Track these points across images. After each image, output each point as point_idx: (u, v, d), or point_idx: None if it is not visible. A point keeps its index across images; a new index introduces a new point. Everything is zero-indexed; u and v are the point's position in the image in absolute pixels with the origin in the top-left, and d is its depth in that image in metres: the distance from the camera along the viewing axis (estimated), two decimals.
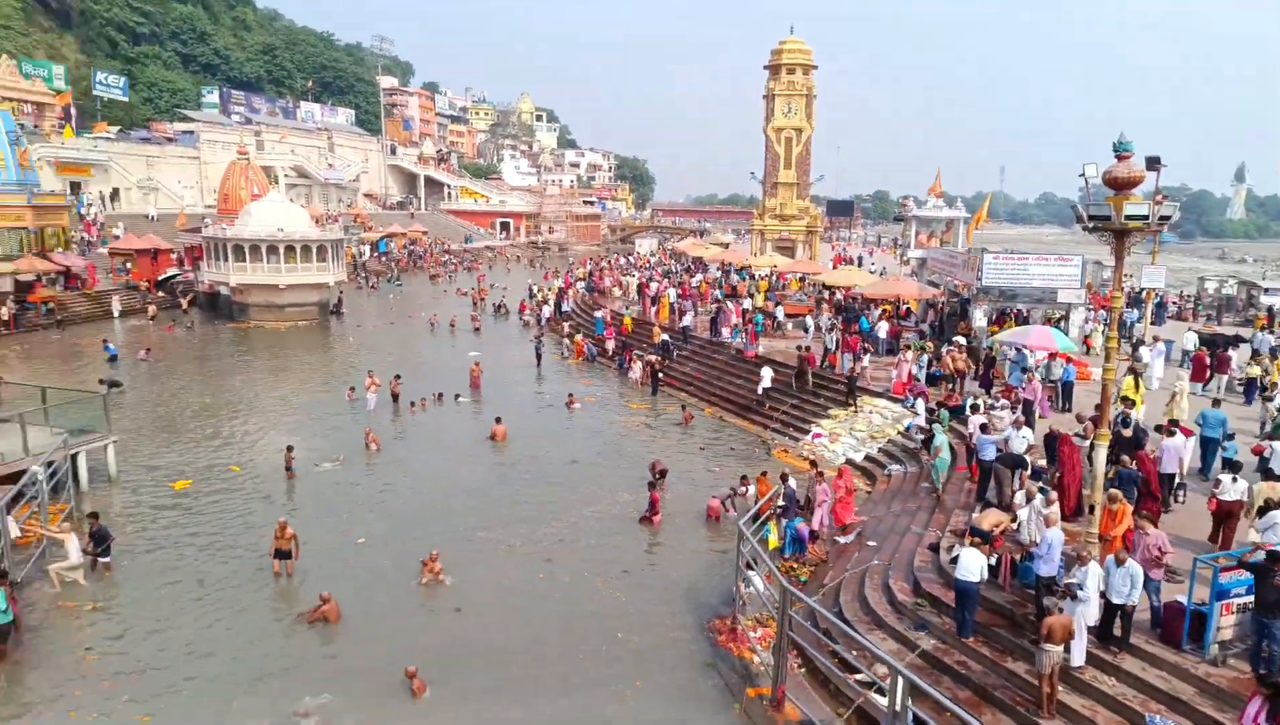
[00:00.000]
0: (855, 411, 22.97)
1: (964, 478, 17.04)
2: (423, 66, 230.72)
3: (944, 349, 23.93)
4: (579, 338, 35.00)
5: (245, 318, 39.77)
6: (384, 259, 67.27)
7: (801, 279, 41.58)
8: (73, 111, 66.92)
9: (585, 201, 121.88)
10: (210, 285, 41.86)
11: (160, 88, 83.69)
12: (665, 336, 31.46)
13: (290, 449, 19.46)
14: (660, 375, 28.96)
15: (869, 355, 26.09)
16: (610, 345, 33.76)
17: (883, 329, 28.45)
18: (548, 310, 42.76)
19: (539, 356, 32.48)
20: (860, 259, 60.68)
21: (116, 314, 39.17)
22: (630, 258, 71.36)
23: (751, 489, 18.04)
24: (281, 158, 78.01)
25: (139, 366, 29.91)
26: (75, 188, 57.00)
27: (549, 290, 48.36)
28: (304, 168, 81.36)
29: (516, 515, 17.28)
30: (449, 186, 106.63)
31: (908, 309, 32.32)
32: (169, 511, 16.95)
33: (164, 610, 12.94)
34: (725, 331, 31.01)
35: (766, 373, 25.39)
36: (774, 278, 40.28)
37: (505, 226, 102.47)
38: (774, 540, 15.17)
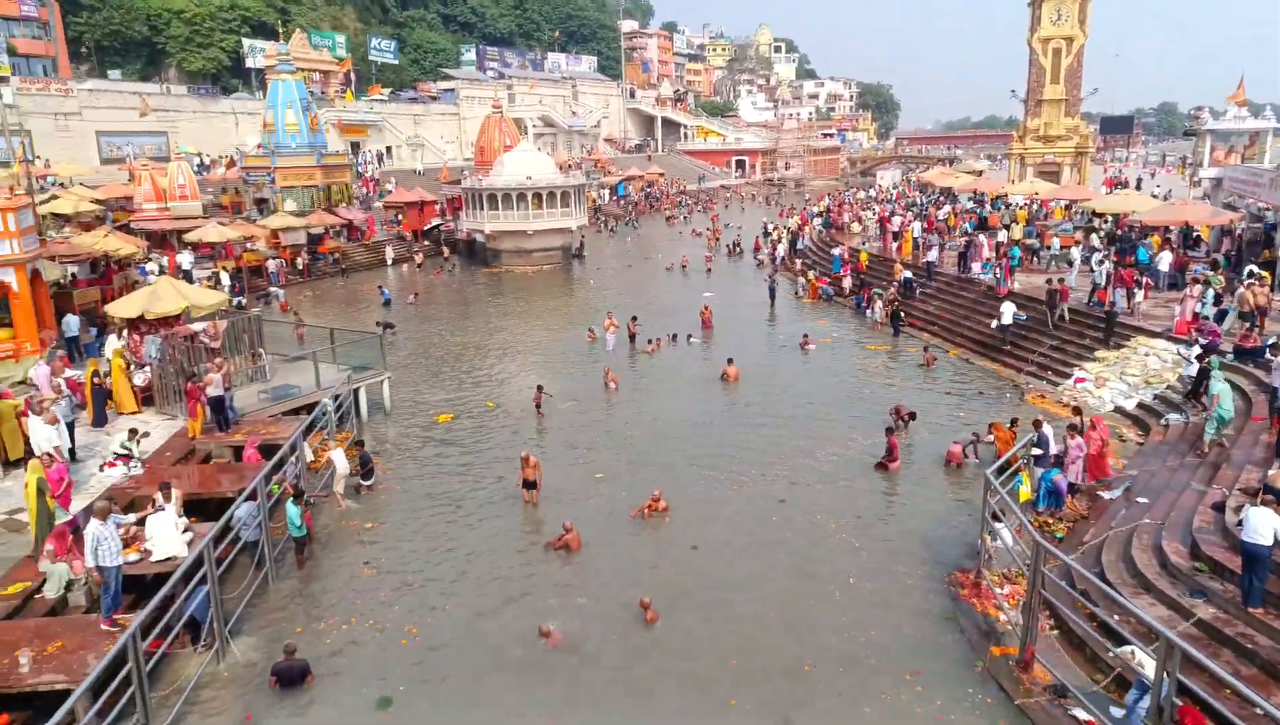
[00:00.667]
0: (1124, 352, 20.36)
1: (1261, 429, 14.60)
2: (661, 6, 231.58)
3: (1241, 282, 20.46)
4: (814, 276, 33.95)
5: (498, 263, 42.69)
6: (622, 202, 69.17)
7: (1068, 206, 37.31)
8: (352, 76, 74.57)
9: (824, 134, 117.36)
10: (468, 233, 45.28)
11: (425, 49, 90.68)
12: (908, 273, 29.64)
13: (540, 388, 20.33)
14: (902, 314, 27.40)
15: (1147, 290, 22.94)
16: (847, 283, 32.43)
17: (1164, 260, 24.82)
18: (782, 249, 41.85)
19: (773, 296, 31.92)
20: (1140, 181, 53.43)
21: (389, 262, 43.59)
22: (871, 191, 67.94)
23: (992, 437, 16.68)
24: (530, 109, 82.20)
25: (408, 310, 33.12)
26: (355, 147, 63.73)
27: (784, 228, 47.34)
28: (550, 117, 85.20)
29: (749, 456, 17.20)
30: (685, 127, 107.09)
31: (1197, 237, 27.96)
32: (434, 442, 18.67)
33: (428, 532, 14.28)
34: (975, 267, 28.63)
35: (1007, 308, 23.35)
36: (1035, 206, 36.49)
37: (741, 164, 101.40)
38: (1026, 492, 13.86)
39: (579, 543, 13.44)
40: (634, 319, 27.20)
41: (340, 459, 15.38)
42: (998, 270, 26.67)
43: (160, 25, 65.84)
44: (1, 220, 18.76)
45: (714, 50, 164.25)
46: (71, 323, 21.90)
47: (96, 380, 17.15)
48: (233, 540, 12.01)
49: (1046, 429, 14.48)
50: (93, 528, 10.25)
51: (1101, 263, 24.83)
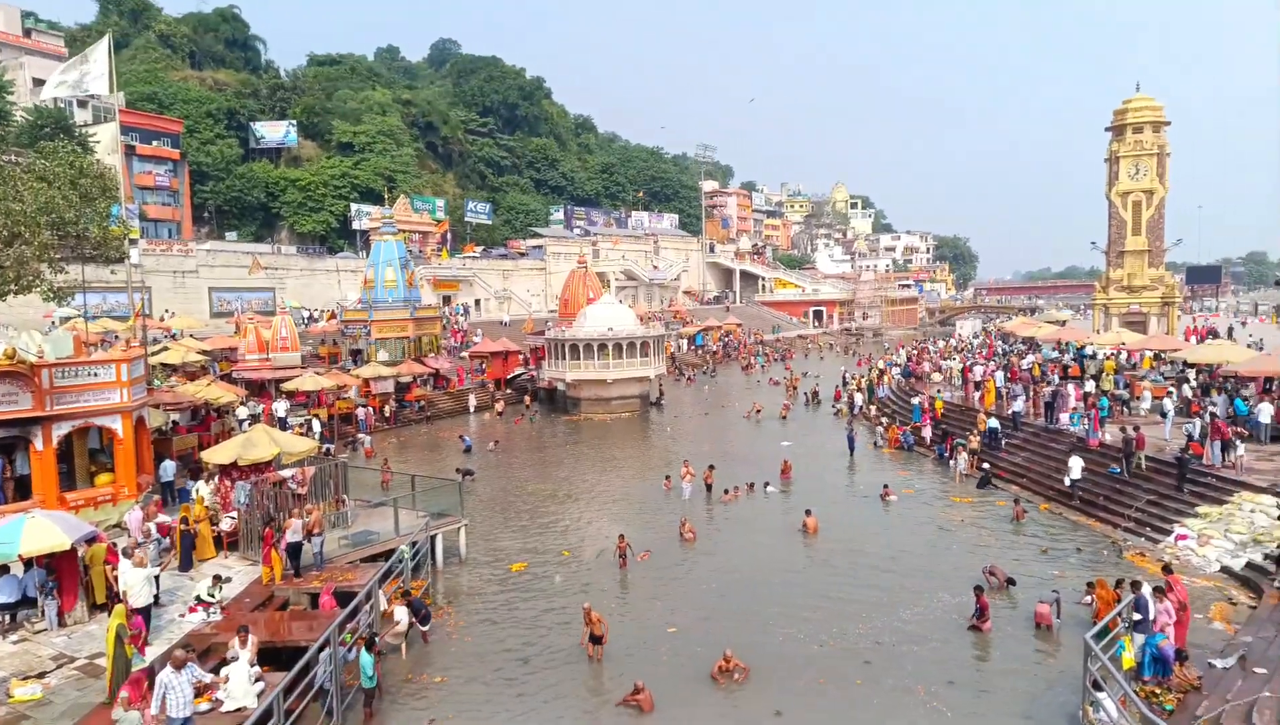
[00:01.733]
0: (1228, 508, 19.12)
1: None
2: (741, 167, 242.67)
3: None
4: (894, 426, 33.29)
5: (578, 411, 43.41)
6: (700, 352, 70.23)
7: (1156, 357, 36.12)
8: (448, 236, 79.59)
9: (901, 285, 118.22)
10: (550, 382, 46.43)
11: (516, 210, 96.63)
12: (994, 423, 28.80)
13: (622, 538, 19.87)
14: (987, 466, 26.43)
15: (1245, 442, 21.67)
16: (928, 433, 31.65)
17: (1265, 412, 23.53)
18: (861, 397, 41.42)
19: (851, 445, 31.34)
20: (1231, 330, 51.56)
21: (472, 409, 44.81)
22: (951, 340, 67.38)
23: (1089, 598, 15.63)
24: (613, 263, 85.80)
25: (488, 456, 33.67)
26: (446, 300, 67.11)
27: (862, 377, 47.00)
28: (632, 271, 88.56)
29: (830, 612, 16.46)
30: (763, 278, 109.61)
31: None
32: (507, 591, 18.47)
33: (495, 689, 13.90)
34: (1063, 417, 27.66)
35: (1075, 463, 22.76)
36: (1122, 356, 35.47)
37: (818, 314, 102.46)
38: (1129, 659, 12.74)
39: (651, 704, 12.86)
40: (710, 468, 26.98)
41: (402, 614, 15.28)
42: (1087, 421, 25.71)
43: (277, 192, 72.23)
44: (116, 371, 20.21)
45: (791, 206, 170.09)
46: (168, 468, 23.00)
47: (184, 526, 17.77)
48: (303, 692, 11.91)
49: (1147, 590, 13.46)
50: (164, 675, 10.34)
51: (1195, 415, 23.72)
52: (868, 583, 18.14)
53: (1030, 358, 40.71)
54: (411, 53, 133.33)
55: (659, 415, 43.82)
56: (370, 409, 39.07)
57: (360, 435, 36.74)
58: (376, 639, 13.51)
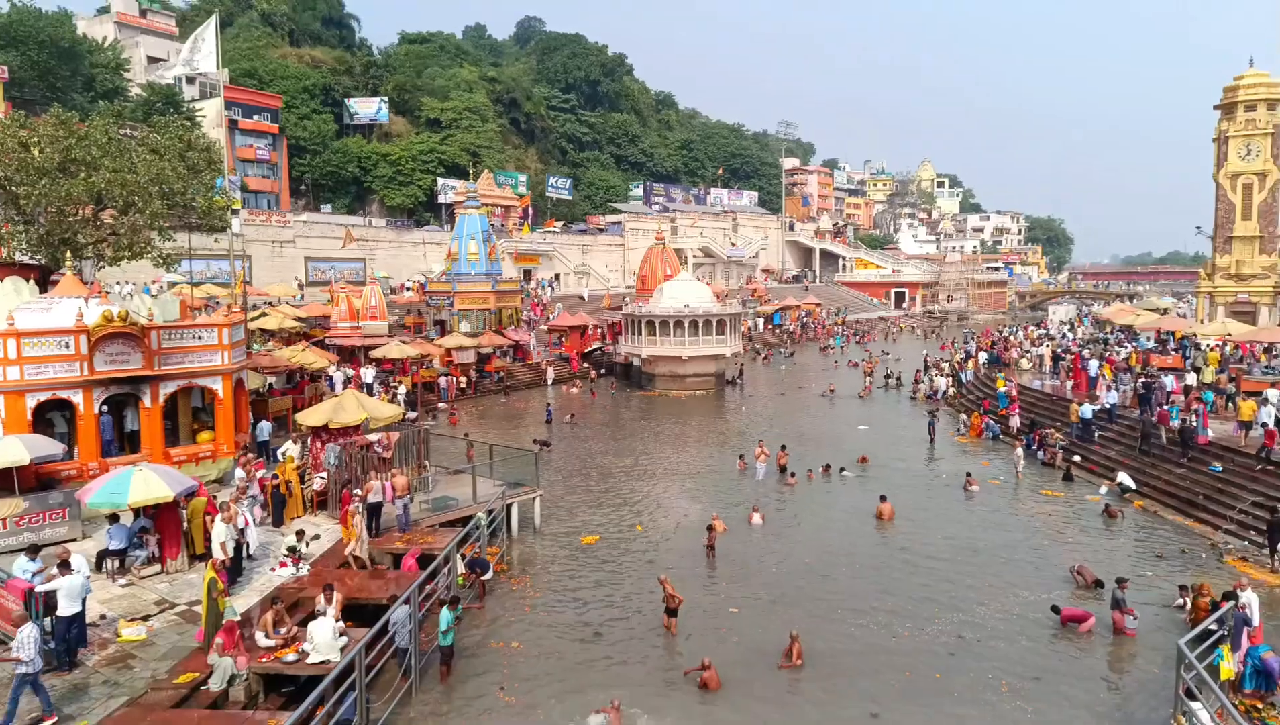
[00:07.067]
0: None
1: None
2: (824, 145, 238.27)
3: None
4: (978, 413, 32.35)
5: (652, 387, 43.56)
6: (777, 331, 69.49)
7: (1268, 350, 34.05)
8: (529, 211, 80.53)
9: (989, 267, 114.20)
10: (626, 357, 46.68)
11: (597, 186, 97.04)
12: (1086, 413, 27.71)
13: (712, 529, 19.48)
14: (1077, 459, 25.48)
15: None
16: (1015, 422, 30.64)
17: None
18: (944, 383, 40.36)
19: (932, 432, 30.62)
20: None
21: (550, 382, 45.43)
22: (1042, 327, 64.87)
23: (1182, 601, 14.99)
24: (691, 240, 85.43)
25: (564, 428, 34.14)
26: (527, 274, 68.03)
27: (945, 362, 45.75)
28: (710, 248, 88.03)
29: (902, 604, 16.19)
30: (843, 258, 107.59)
31: None
32: (578, 563, 18.76)
33: (565, 657, 14.17)
34: (1164, 411, 26.38)
35: (1124, 478, 22.82)
36: (1228, 348, 33.57)
37: (900, 296, 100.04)
38: (1228, 669, 12.18)
39: (718, 682, 12.92)
40: (783, 448, 26.78)
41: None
42: (1189, 416, 24.46)
43: (368, 166, 74.22)
44: (218, 334, 21.20)
45: (874, 185, 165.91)
46: (264, 428, 24.08)
47: (275, 482, 18.62)
48: (383, 648, 12.39)
49: (1249, 596, 12.81)
50: None
51: None
52: (946, 575, 17.75)
53: (1128, 347, 38.99)
54: (498, 31, 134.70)
55: (734, 394, 43.61)
56: (452, 378, 40.02)
57: (441, 404, 37.71)
58: (460, 601, 13.96)
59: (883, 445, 29.64)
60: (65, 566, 12.43)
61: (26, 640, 10.66)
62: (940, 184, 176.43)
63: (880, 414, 36.86)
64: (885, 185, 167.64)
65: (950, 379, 40.99)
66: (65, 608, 11.93)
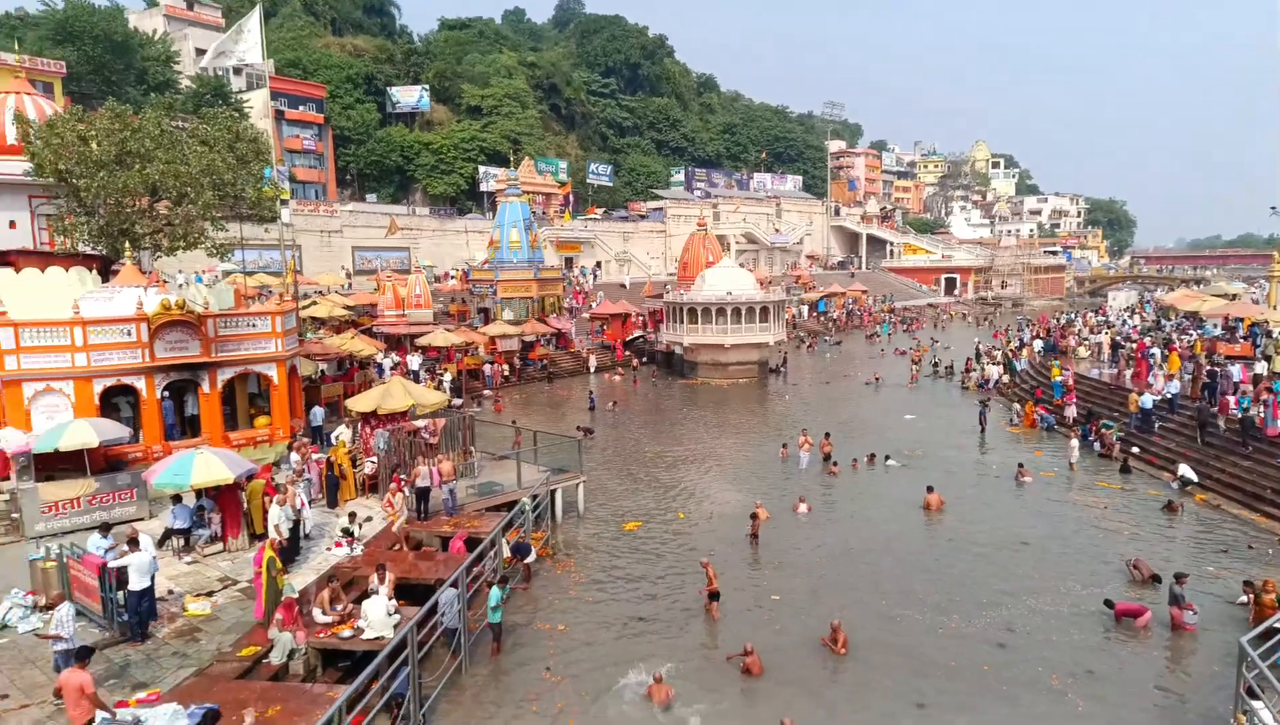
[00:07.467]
0: None
1: None
2: (871, 126, 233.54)
3: None
4: (1031, 403, 31.73)
5: (694, 375, 43.51)
6: (822, 318, 68.83)
7: None
8: (570, 198, 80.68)
9: (1046, 251, 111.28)
10: (667, 345, 46.68)
11: (637, 172, 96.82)
12: (1146, 403, 26.99)
13: (756, 518, 19.46)
14: (1135, 450, 24.87)
15: None
16: (1070, 412, 29.97)
17: None
18: (996, 371, 39.64)
19: (983, 422, 30.10)
20: None
21: (592, 370, 45.63)
22: (1100, 313, 63.33)
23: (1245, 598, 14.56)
24: (734, 226, 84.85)
25: (607, 416, 34.30)
26: (569, 262, 68.25)
27: (998, 349, 44.93)
28: (753, 234, 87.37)
29: (949, 595, 16.01)
30: (891, 243, 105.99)
31: None
32: (621, 549, 18.90)
33: (608, 641, 14.34)
34: (1231, 402, 25.57)
35: (1185, 470, 22.07)
36: None
37: (951, 282, 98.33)
38: None
39: (760, 667, 12.96)
40: (827, 436, 26.59)
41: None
42: (1257, 406, 23.65)
43: (411, 155, 75.01)
44: (271, 322, 21.69)
45: (925, 166, 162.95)
46: (318, 413, 24.62)
47: (329, 468, 19.07)
48: (433, 626, 12.66)
49: None
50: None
51: None
52: (994, 566, 17.50)
53: (1194, 334, 37.84)
54: (537, 14, 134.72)
55: (778, 382, 43.35)
56: (496, 365, 40.43)
57: (486, 391, 38.13)
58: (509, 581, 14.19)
59: (931, 435, 29.27)
60: (134, 544, 12.92)
61: (65, 618, 11.19)
62: (995, 165, 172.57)
63: (928, 403, 36.35)
64: (936, 167, 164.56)
65: (1003, 367, 40.25)
66: (136, 583, 12.42)
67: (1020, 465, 24.32)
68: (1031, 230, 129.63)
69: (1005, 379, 39.01)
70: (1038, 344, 43.25)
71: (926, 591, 16.17)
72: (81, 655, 10.00)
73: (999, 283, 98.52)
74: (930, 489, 21.52)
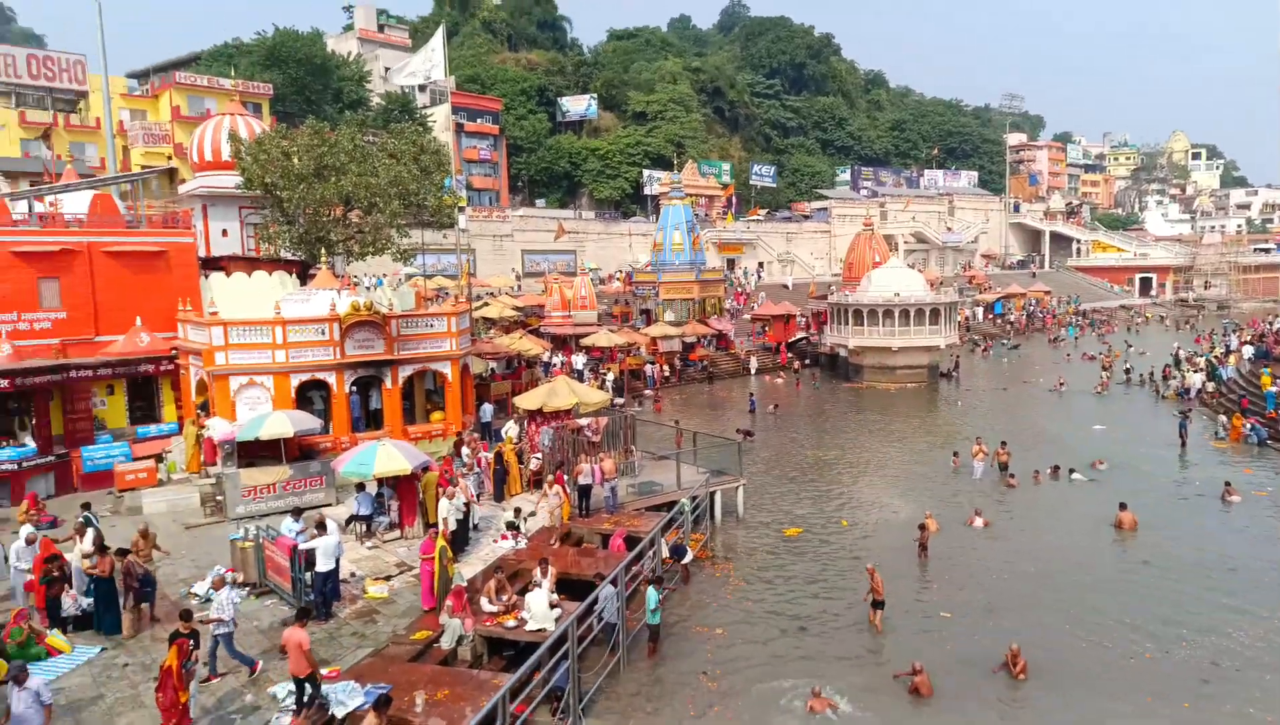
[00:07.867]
0: None
1: None
2: (1054, 117, 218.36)
3: None
4: (1239, 415, 28.51)
5: (859, 378, 42.15)
6: (999, 321, 64.90)
7: None
8: (733, 200, 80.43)
9: (1257, 249, 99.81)
10: (831, 347, 45.50)
11: (802, 172, 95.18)
12: None
13: (924, 528, 18.53)
14: None
15: None
16: None
17: None
18: (1198, 379, 35.90)
19: (1184, 434, 27.31)
20: None
21: (753, 371, 45.18)
22: None
23: None
24: (903, 225, 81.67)
25: (768, 419, 33.83)
26: (731, 264, 68.02)
27: (1201, 356, 40.68)
28: (923, 233, 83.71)
29: (1144, 621, 14.63)
30: (1078, 241, 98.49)
31: None
32: (782, 554, 18.56)
33: (769, 649, 14.07)
34: None
35: None
36: None
37: (1146, 282, 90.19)
38: None
39: (930, 688, 12.31)
40: (1003, 445, 25.00)
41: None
42: None
43: (579, 161, 77.33)
44: (447, 323, 22.93)
45: (1115, 159, 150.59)
46: (487, 410, 25.79)
47: (498, 463, 19.92)
48: (592, 623, 12.90)
49: None
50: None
51: None
52: (1197, 593, 15.85)
53: None
54: (702, 20, 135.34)
55: (949, 387, 41.24)
56: (657, 366, 40.87)
57: (647, 391, 38.62)
58: (664, 581, 14.26)
59: (1123, 447, 26.91)
60: (322, 528, 13.97)
61: (225, 602, 11.83)
62: (1196, 156, 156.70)
63: (1120, 413, 33.41)
64: (1128, 159, 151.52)
65: (1206, 375, 36.41)
66: (322, 564, 13.43)
67: (1227, 483, 21.86)
68: (1239, 226, 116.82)
69: (1209, 388, 35.30)
70: (1247, 350, 38.81)
71: (1118, 617, 14.84)
72: (301, 616, 11.15)
73: (1201, 283, 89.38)
74: (1123, 506, 19.74)
